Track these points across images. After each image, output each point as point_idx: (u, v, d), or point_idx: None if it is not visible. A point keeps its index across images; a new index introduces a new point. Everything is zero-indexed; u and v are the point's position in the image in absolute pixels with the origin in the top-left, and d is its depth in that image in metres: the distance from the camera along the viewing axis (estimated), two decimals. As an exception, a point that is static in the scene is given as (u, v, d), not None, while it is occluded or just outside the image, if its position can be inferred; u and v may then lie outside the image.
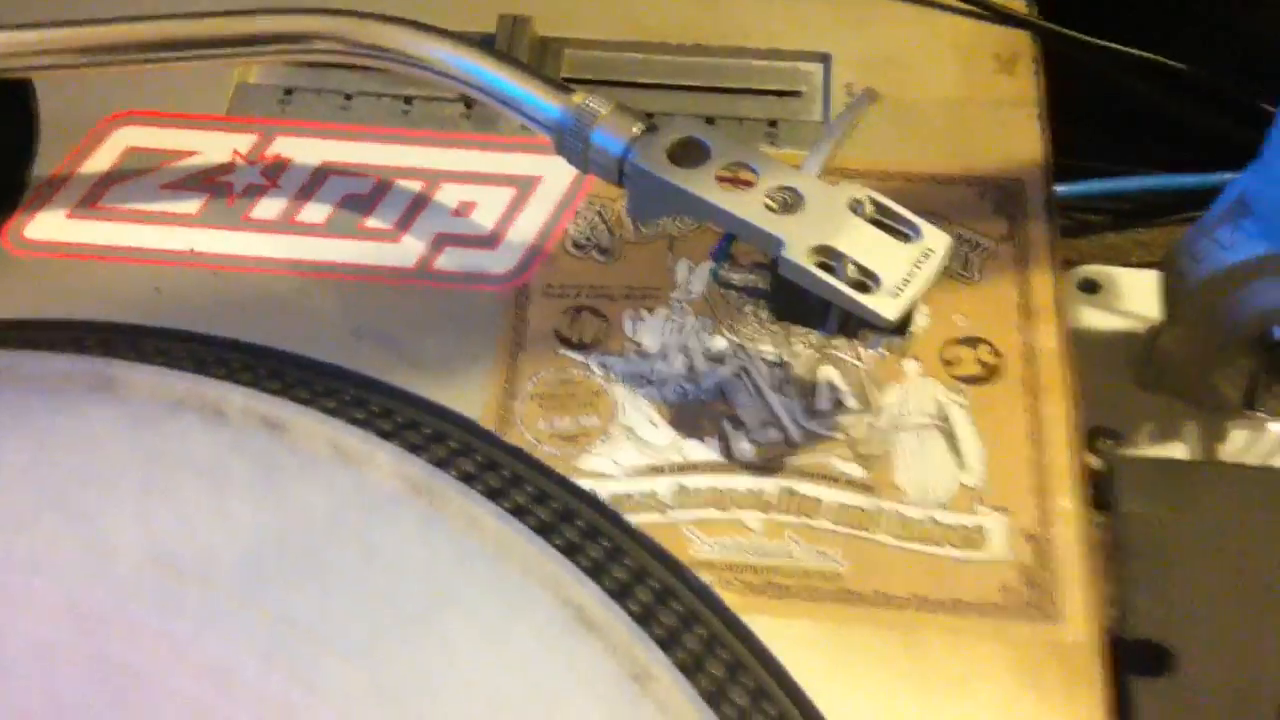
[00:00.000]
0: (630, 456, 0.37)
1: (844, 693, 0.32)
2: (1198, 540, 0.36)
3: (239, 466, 0.32)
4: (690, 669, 0.31)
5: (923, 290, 0.33)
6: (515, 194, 0.42)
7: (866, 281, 0.33)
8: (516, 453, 0.37)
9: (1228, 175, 0.46)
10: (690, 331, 0.39)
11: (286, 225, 0.41)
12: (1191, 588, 0.35)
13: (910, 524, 0.35)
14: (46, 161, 0.42)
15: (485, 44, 0.40)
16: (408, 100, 0.45)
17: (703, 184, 0.35)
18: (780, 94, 0.46)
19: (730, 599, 0.34)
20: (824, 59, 0.46)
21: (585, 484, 0.36)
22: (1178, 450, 0.51)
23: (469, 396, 0.37)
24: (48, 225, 0.41)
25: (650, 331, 0.39)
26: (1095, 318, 0.56)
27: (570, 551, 0.33)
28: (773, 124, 0.45)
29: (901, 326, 0.34)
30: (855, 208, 0.34)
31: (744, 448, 0.37)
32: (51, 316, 0.38)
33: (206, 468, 0.32)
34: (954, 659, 0.33)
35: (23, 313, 0.39)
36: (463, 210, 0.42)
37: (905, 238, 0.34)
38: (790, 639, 0.33)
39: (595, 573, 0.33)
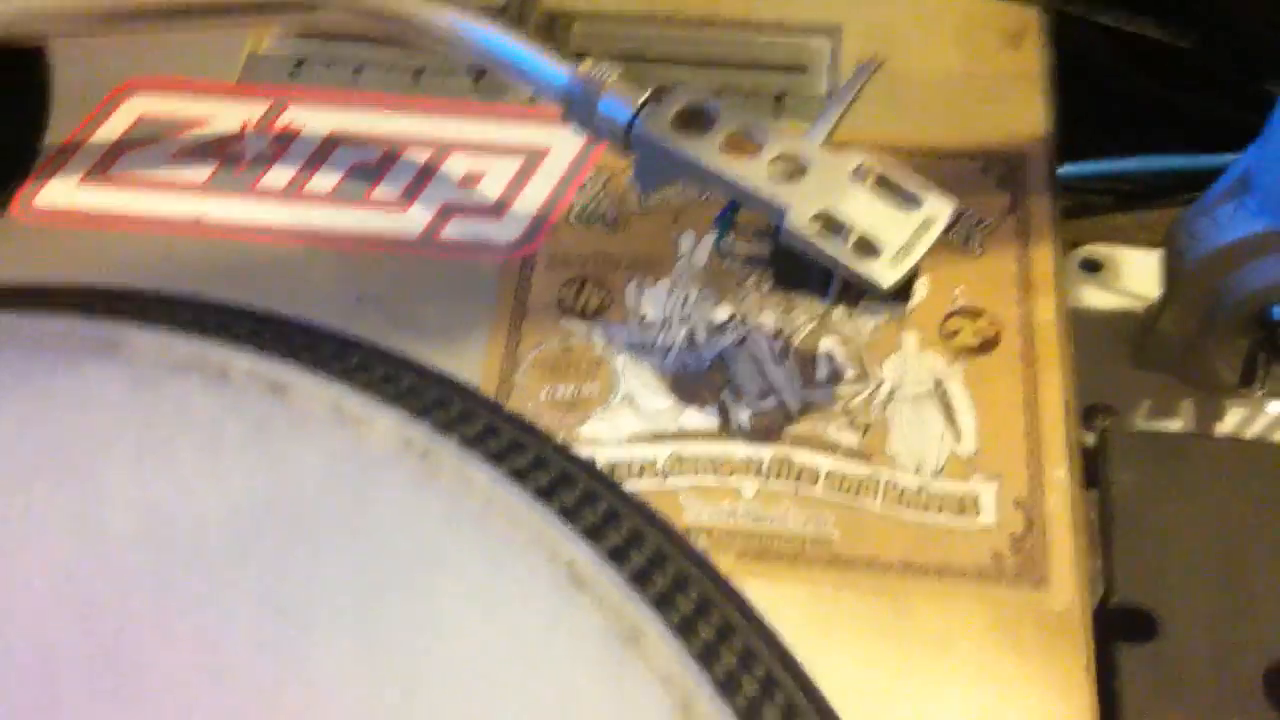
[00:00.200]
0: (629, 424, 0.37)
1: (830, 654, 0.33)
2: (1185, 510, 0.36)
3: (235, 427, 0.32)
4: (682, 630, 0.32)
5: (921, 258, 0.33)
6: (523, 164, 0.42)
7: (867, 249, 0.33)
8: (515, 420, 0.38)
9: (1230, 157, 0.47)
10: (693, 302, 0.40)
11: (294, 194, 0.42)
12: (1178, 556, 0.36)
13: (903, 492, 0.36)
14: (58, 130, 0.43)
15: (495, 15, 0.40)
16: (417, 71, 0.45)
17: (708, 151, 0.35)
18: (787, 69, 0.46)
19: (724, 564, 0.34)
20: (831, 33, 0.46)
21: (584, 451, 0.36)
22: (1174, 429, 0.51)
23: (470, 364, 0.38)
24: (58, 193, 0.42)
25: (653, 302, 0.40)
26: (1096, 297, 0.56)
27: (566, 515, 0.34)
28: (779, 98, 0.45)
29: (902, 294, 0.35)
30: (858, 175, 0.35)
31: (742, 417, 0.37)
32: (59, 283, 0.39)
33: (203, 428, 0.32)
34: (939, 621, 0.33)
35: (32, 278, 0.39)
36: (470, 180, 0.42)
37: (908, 205, 0.34)
38: (781, 603, 0.34)
39: (590, 536, 0.33)
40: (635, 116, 0.36)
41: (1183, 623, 0.35)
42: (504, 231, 0.41)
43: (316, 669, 0.28)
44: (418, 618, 0.29)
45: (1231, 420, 0.53)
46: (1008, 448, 0.37)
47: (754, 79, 0.46)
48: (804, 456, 0.37)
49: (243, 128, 0.43)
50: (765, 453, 0.37)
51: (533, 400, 0.37)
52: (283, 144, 0.43)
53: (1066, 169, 0.57)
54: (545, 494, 0.34)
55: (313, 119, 0.43)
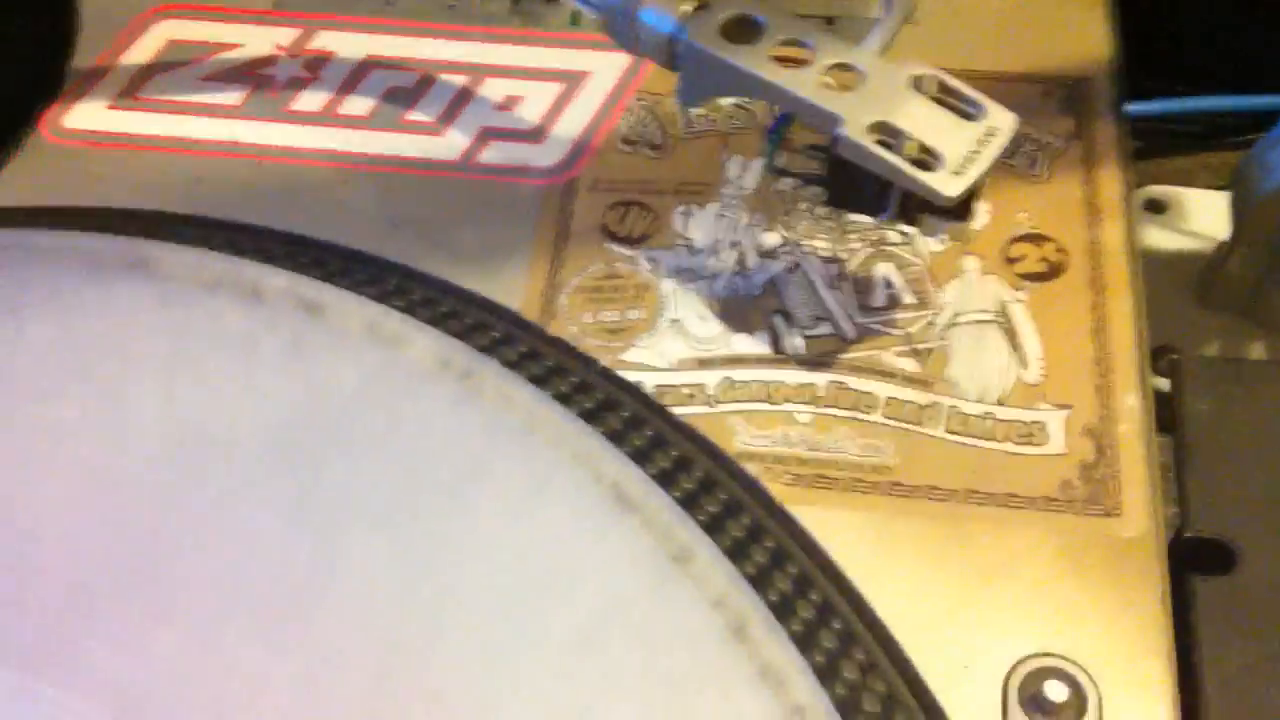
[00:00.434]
0: (677, 350, 0.36)
1: (888, 580, 0.31)
2: (1263, 439, 0.34)
3: (270, 342, 0.31)
4: (733, 555, 0.30)
5: (986, 170, 0.32)
6: (563, 89, 0.41)
7: (928, 160, 0.32)
8: (559, 344, 0.36)
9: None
10: (742, 227, 0.38)
11: (329, 117, 0.40)
12: (1256, 487, 0.34)
13: (966, 419, 0.34)
14: (86, 54, 0.42)
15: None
16: (454, -5, 0.44)
17: (757, 61, 0.33)
18: (838, -9, 0.44)
19: (776, 490, 0.33)
20: (884, -44, 0.45)
21: (629, 376, 0.35)
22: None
23: (511, 289, 0.36)
24: (87, 115, 0.41)
25: (701, 226, 0.38)
26: (1160, 238, 0.54)
27: (613, 438, 0.32)
28: (830, 21, 0.43)
29: (964, 211, 0.33)
30: (917, 85, 0.33)
31: (795, 343, 0.36)
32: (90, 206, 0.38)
33: (236, 343, 0.31)
34: (1003, 549, 0.32)
35: (61, 201, 0.38)
36: (508, 105, 0.40)
37: (970, 117, 0.33)
38: (837, 530, 0.32)
39: (638, 458, 0.32)
40: (680, 28, 0.34)
41: (1260, 555, 0.33)
42: (545, 155, 0.39)
43: (349, 566, 0.27)
44: (455, 525, 0.28)
45: (1302, 363, 0.51)
46: (1076, 375, 0.35)
47: (803, 2, 0.44)
48: (861, 383, 0.35)
49: (275, 52, 0.42)
50: (820, 379, 0.35)
51: (576, 325, 0.36)
52: (316, 68, 0.41)
53: (1129, 107, 0.56)
54: (588, 418, 0.33)
55: (347, 44, 0.42)
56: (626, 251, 0.38)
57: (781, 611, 0.29)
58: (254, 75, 0.41)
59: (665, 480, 0.32)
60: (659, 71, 0.36)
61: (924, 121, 0.32)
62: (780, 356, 0.35)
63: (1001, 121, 0.32)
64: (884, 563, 0.32)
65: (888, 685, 0.30)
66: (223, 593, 0.28)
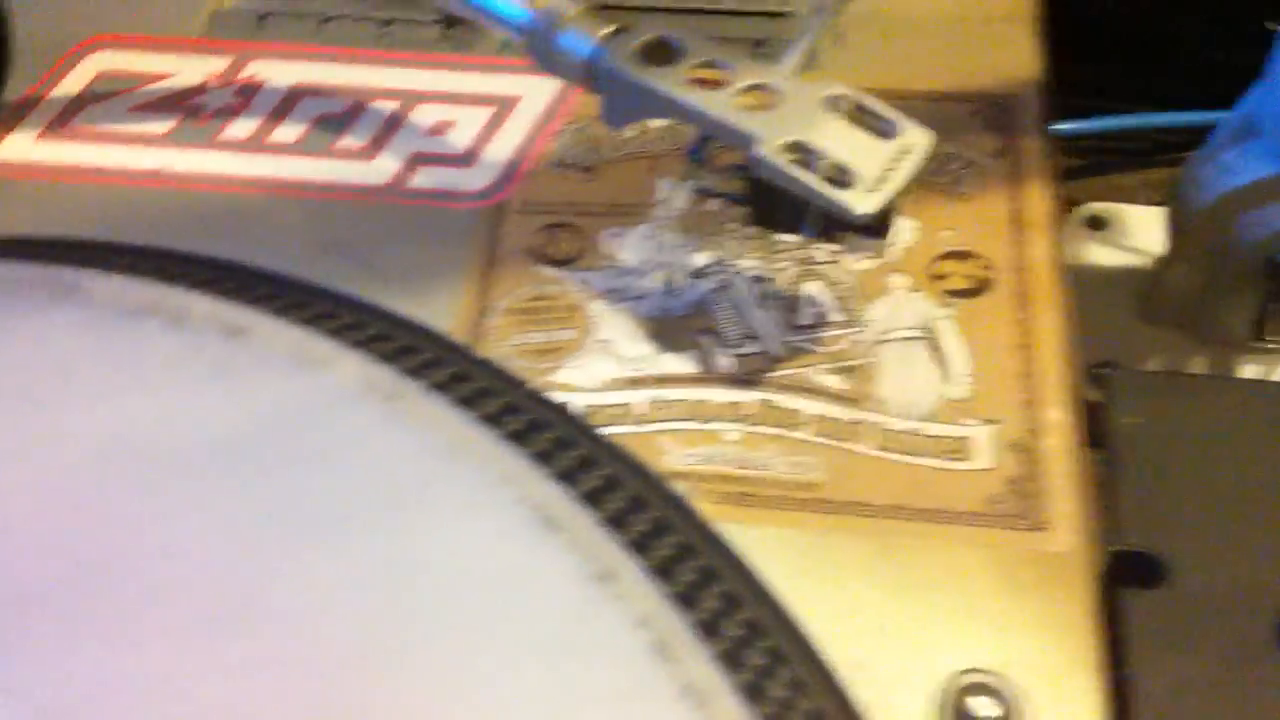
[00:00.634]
0: (606, 370, 0.36)
1: (816, 596, 0.31)
2: (1194, 452, 0.35)
3: (195, 366, 0.31)
4: (660, 574, 0.30)
5: (901, 187, 0.32)
6: (494, 113, 0.41)
7: (842, 178, 0.32)
8: (487, 365, 0.36)
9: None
10: (671, 247, 0.38)
11: (258, 145, 0.40)
12: (1186, 499, 0.34)
13: (893, 435, 0.34)
14: (16, 87, 0.42)
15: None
16: (386, 22, 0.44)
17: (674, 83, 0.33)
18: (768, 14, 0.45)
19: (705, 509, 0.33)
20: (814, -22, 0.45)
21: (559, 397, 0.35)
22: (1184, 382, 0.50)
23: (440, 311, 0.36)
24: (16, 147, 0.41)
25: (630, 247, 0.38)
26: (1101, 254, 0.54)
27: (540, 459, 0.32)
28: (759, 44, 0.44)
29: (881, 229, 0.33)
30: (833, 105, 0.33)
31: (723, 362, 0.36)
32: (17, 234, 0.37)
33: (161, 368, 0.31)
34: (931, 564, 0.32)
35: (-12, 232, 0.38)
36: (439, 130, 0.41)
37: (885, 135, 0.33)
38: (766, 547, 0.32)
39: (564, 479, 0.32)
40: (598, 51, 0.34)
41: (1191, 568, 0.33)
42: (475, 179, 0.39)
43: (280, 585, 0.27)
44: (379, 545, 0.28)
45: (1246, 374, 0.51)
46: (1003, 390, 0.35)
47: (733, 25, 0.44)
48: (789, 400, 0.35)
49: (205, 81, 0.42)
50: (748, 397, 0.35)
51: (506, 347, 0.36)
52: (246, 96, 0.41)
53: (1068, 126, 0.56)
54: (516, 438, 0.33)
55: (278, 72, 0.42)
56: (556, 273, 0.38)
57: (709, 630, 0.29)
58: (184, 104, 0.41)
59: (593, 500, 0.32)
60: (591, 95, 0.36)
61: (839, 140, 0.32)
62: (709, 375, 0.35)
63: (917, 139, 0.33)
64: (813, 580, 0.32)
65: (816, 703, 0.30)
66: (152, 609, 0.28)
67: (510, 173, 0.39)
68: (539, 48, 0.35)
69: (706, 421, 0.35)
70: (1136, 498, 0.34)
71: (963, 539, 0.32)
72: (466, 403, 0.33)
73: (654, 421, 0.35)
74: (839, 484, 0.33)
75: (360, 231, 0.38)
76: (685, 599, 0.29)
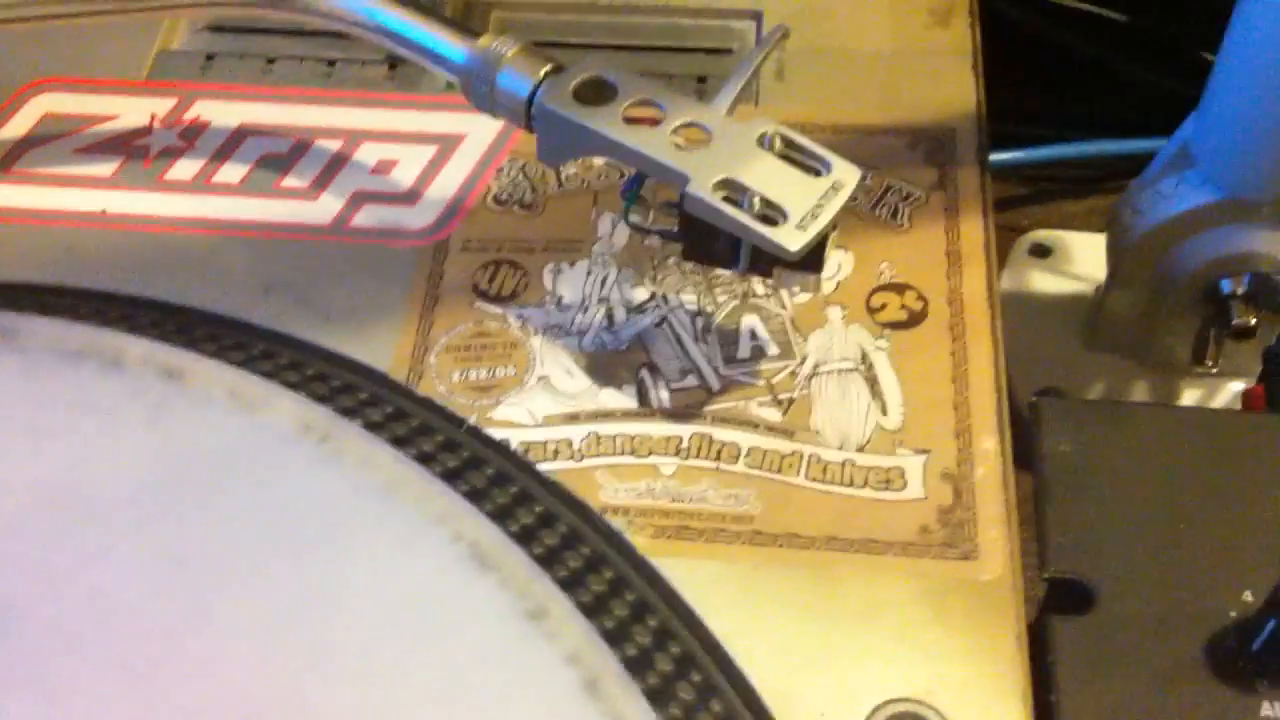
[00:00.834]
0: (545, 406, 0.36)
1: (748, 628, 0.31)
2: (1120, 479, 0.35)
3: (131, 409, 0.31)
4: (592, 610, 0.30)
5: (829, 223, 0.32)
6: (437, 151, 0.41)
7: (772, 215, 0.32)
8: (426, 403, 0.37)
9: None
10: (612, 283, 0.39)
11: (202, 185, 0.41)
12: (1114, 526, 0.34)
13: (827, 466, 0.35)
14: (-38, 129, 0.42)
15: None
16: (330, 63, 0.44)
17: (609, 122, 0.34)
18: (711, 51, 0.45)
19: (640, 543, 0.33)
20: (755, 16, 0.46)
21: (497, 433, 0.35)
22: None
23: (381, 349, 0.37)
24: (-39, 190, 0.41)
25: (570, 283, 0.39)
26: (1045, 281, 0.55)
27: (475, 497, 0.33)
28: (702, 80, 0.44)
29: (814, 263, 0.34)
30: (764, 142, 0.34)
31: (661, 396, 0.36)
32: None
33: (98, 410, 0.31)
34: (864, 595, 0.32)
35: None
36: (382, 168, 0.41)
37: (815, 172, 0.33)
38: (699, 580, 0.32)
39: (499, 517, 0.32)
40: (535, 91, 0.35)
41: (1119, 594, 0.34)
42: (417, 217, 0.40)
43: (211, 627, 0.27)
44: (313, 585, 0.28)
45: (1188, 399, 0.52)
46: (935, 420, 0.35)
47: (676, 62, 0.45)
48: (725, 434, 0.35)
49: (150, 122, 0.42)
50: (685, 430, 0.35)
51: (445, 383, 0.36)
52: (191, 137, 0.42)
53: (1013, 154, 0.57)
54: (453, 476, 0.33)
55: (222, 112, 0.42)
56: (496, 310, 0.38)
57: (639, 665, 0.30)
58: (128, 146, 0.41)
59: (527, 536, 0.32)
60: (530, 133, 0.36)
61: (769, 178, 0.33)
62: (647, 410, 0.36)
63: (846, 176, 0.33)
64: (746, 612, 0.32)
65: (745, 735, 0.31)
66: (82, 655, 0.28)
67: (453, 210, 0.40)
68: (477, 88, 0.36)
69: (644, 456, 0.35)
70: (1065, 525, 0.35)
71: (895, 569, 0.33)
72: (404, 441, 0.33)
73: (592, 456, 0.35)
74: (774, 516, 0.34)
75: (303, 270, 0.38)
76: (616, 635, 0.30)
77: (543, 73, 0.35)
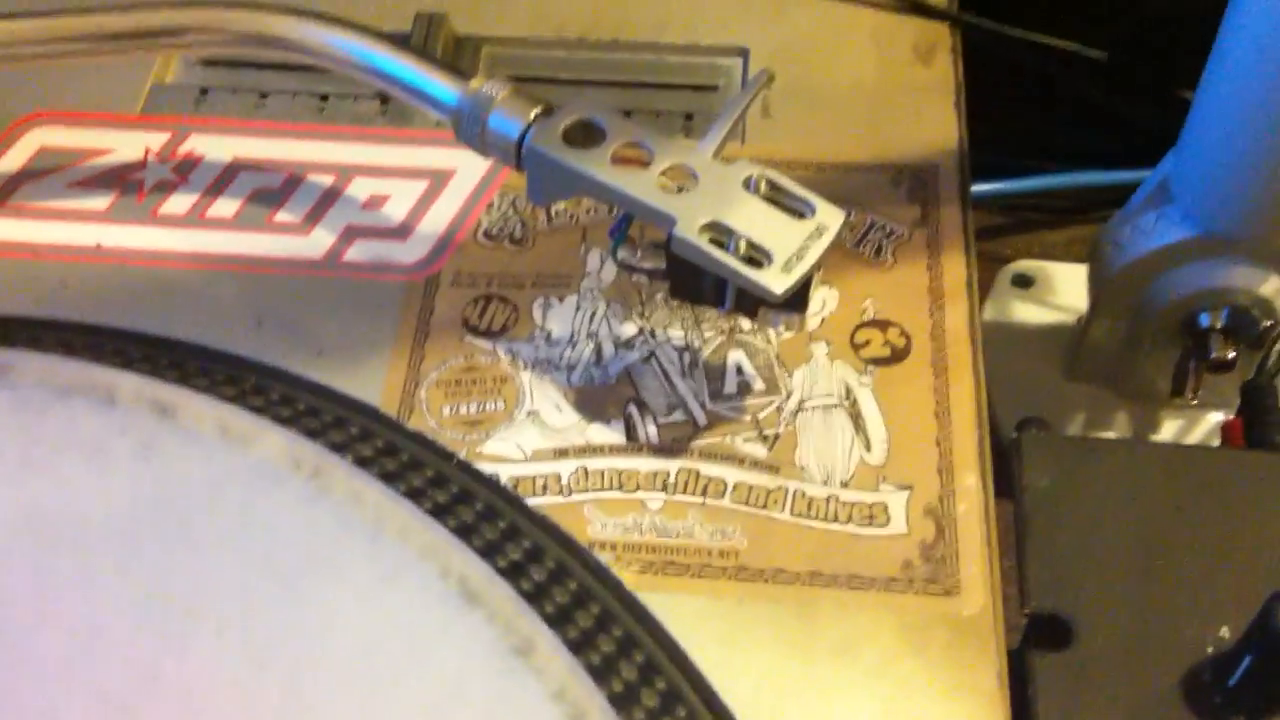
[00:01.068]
0: (534, 440, 0.36)
1: (736, 665, 0.32)
2: (1100, 514, 0.36)
3: (121, 445, 0.32)
4: (580, 645, 0.31)
5: (813, 266, 0.33)
6: (428, 186, 0.42)
7: (758, 257, 0.33)
8: (416, 438, 0.37)
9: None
10: (600, 318, 0.39)
11: (195, 220, 0.41)
12: (1093, 562, 0.35)
13: (811, 502, 0.35)
14: (-44, 165, 0.43)
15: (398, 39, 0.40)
16: (323, 98, 0.45)
17: (597, 164, 0.35)
18: (698, 88, 0.46)
19: (627, 578, 0.34)
20: (742, 53, 0.46)
21: (486, 468, 0.36)
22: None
23: (372, 384, 0.37)
24: (-44, 224, 0.41)
25: (559, 318, 0.39)
26: (1027, 312, 0.56)
27: (464, 531, 0.33)
28: (689, 117, 0.45)
29: (799, 303, 0.34)
30: (749, 185, 0.34)
31: (649, 431, 0.37)
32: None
33: (89, 446, 0.32)
34: (846, 630, 0.33)
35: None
36: (374, 203, 0.42)
37: (799, 215, 0.34)
38: (686, 616, 0.33)
39: (487, 552, 0.32)
40: (525, 133, 0.35)
41: (1098, 629, 0.34)
42: (408, 252, 0.40)
43: (196, 661, 0.28)
44: (300, 622, 0.29)
45: (1168, 431, 0.52)
46: (918, 456, 0.36)
47: (664, 99, 0.45)
48: (711, 469, 0.36)
49: (144, 156, 0.42)
50: (671, 466, 0.36)
51: (435, 418, 0.37)
52: (184, 171, 0.42)
53: (996, 185, 0.58)
54: (441, 511, 0.33)
55: (216, 146, 0.43)
56: (486, 344, 0.38)
57: (625, 700, 0.30)
58: (122, 180, 0.42)
59: (515, 571, 0.32)
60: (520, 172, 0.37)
61: (755, 220, 0.33)
62: (634, 445, 0.36)
63: (830, 218, 0.34)
64: (730, 647, 0.33)
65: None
66: (66, 686, 0.28)
67: (443, 245, 0.40)
68: (469, 129, 0.36)
69: (631, 491, 0.36)
70: (1045, 561, 0.35)
71: (877, 604, 0.33)
72: (393, 476, 0.34)
73: (580, 491, 0.36)
74: (759, 551, 0.34)
75: (295, 305, 0.39)
76: (602, 671, 0.30)
77: (533, 114, 0.36)
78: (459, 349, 0.38)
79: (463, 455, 0.36)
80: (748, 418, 0.37)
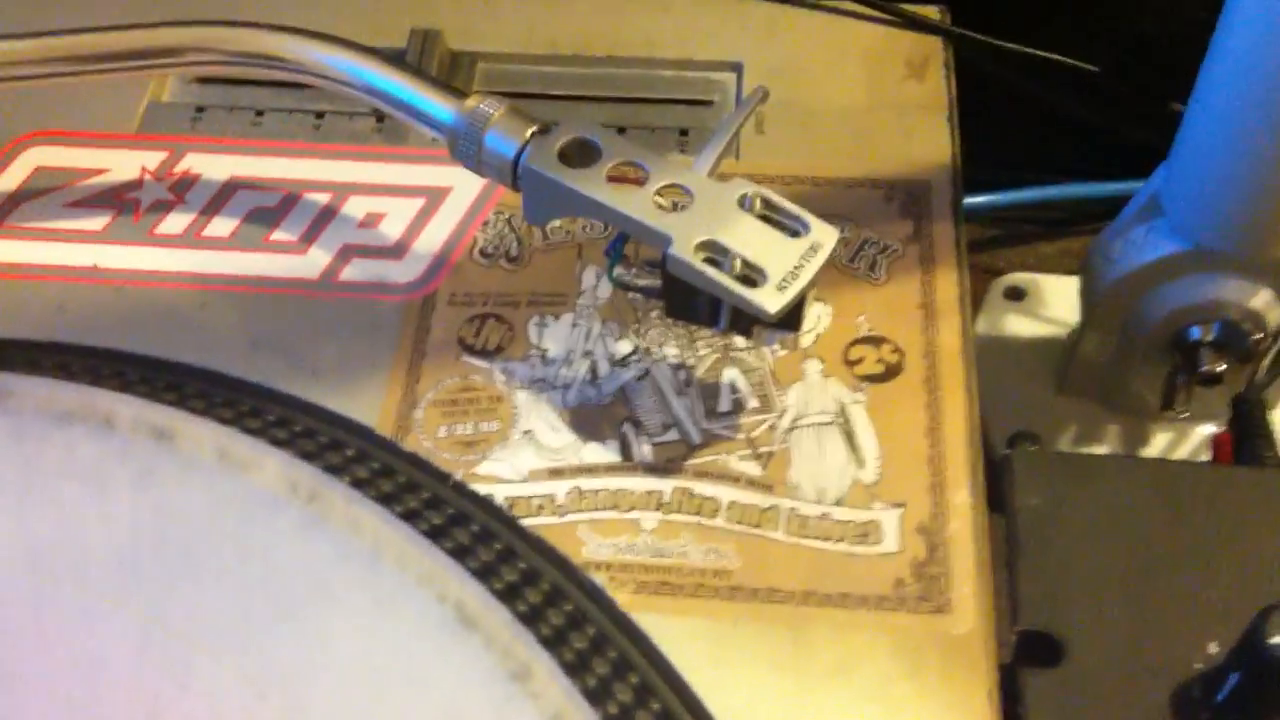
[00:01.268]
0: (529, 461, 0.37)
1: (729, 685, 0.32)
2: (1091, 531, 0.36)
3: (121, 472, 0.32)
4: (576, 668, 0.31)
5: (807, 285, 0.33)
6: (424, 204, 0.42)
7: (752, 276, 0.33)
8: (412, 459, 0.37)
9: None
10: (595, 336, 0.39)
11: (192, 240, 0.41)
12: (1084, 579, 0.35)
13: (805, 521, 0.35)
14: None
15: (393, 56, 0.40)
16: (319, 115, 0.45)
17: (593, 184, 0.35)
18: (692, 103, 0.46)
19: (622, 599, 0.34)
20: (735, 68, 0.47)
21: (482, 489, 0.36)
22: (1099, 453, 0.51)
23: (368, 404, 0.37)
24: (-47, 245, 0.41)
25: (555, 337, 0.39)
26: (1019, 324, 0.56)
27: (460, 554, 0.33)
28: (684, 132, 0.45)
29: (793, 321, 0.34)
30: (744, 204, 0.35)
31: (643, 450, 0.37)
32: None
33: (88, 474, 0.32)
34: (839, 649, 0.33)
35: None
36: (370, 221, 0.42)
37: (794, 233, 0.34)
38: (681, 636, 0.33)
39: (484, 574, 0.33)
40: (521, 152, 0.36)
41: (1089, 647, 0.34)
42: (405, 271, 0.41)
43: (197, 689, 0.28)
44: (301, 648, 0.29)
45: (1158, 444, 0.53)
46: (910, 474, 0.36)
47: (659, 114, 0.46)
48: (705, 488, 0.36)
49: (141, 175, 0.43)
50: (666, 485, 0.36)
51: (431, 439, 0.37)
52: (181, 190, 0.42)
53: (988, 198, 0.58)
54: (438, 533, 0.34)
55: (212, 165, 0.43)
56: (482, 364, 0.39)
57: (620, 725, 0.31)
58: (119, 200, 0.42)
59: (511, 594, 0.33)
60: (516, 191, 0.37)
61: (749, 239, 0.34)
62: (629, 464, 0.37)
63: (824, 237, 0.34)
64: (724, 668, 0.33)
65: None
66: (69, 695, 0.28)
67: (439, 264, 0.41)
68: (465, 148, 0.36)
69: (625, 511, 0.36)
70: (1036, 578, 0.36)
71: (870, 623, 0.34)
72: (390, 498, 0.34)
73: (575, 511, 0.36)
74: (752, 571, 0.35)
75: (291, 326, 0.39)
76: (597, 693, 0.30)
77: (528, 134, 0.36)
78: (455, 369, 0.39)
79: (459, 476, 0.36)
80: (742, 436, 0.37)
